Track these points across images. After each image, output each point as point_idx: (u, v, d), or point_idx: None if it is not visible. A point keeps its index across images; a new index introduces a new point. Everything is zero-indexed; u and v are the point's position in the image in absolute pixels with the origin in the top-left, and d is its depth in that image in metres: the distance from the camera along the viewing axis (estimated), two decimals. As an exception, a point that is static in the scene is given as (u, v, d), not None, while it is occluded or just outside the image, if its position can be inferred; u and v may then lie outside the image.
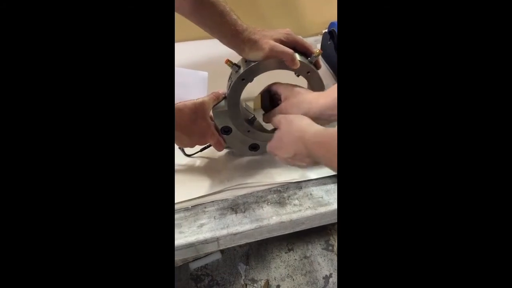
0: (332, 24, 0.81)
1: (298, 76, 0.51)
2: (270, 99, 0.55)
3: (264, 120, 0.55)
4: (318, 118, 0.46)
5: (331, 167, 0.39)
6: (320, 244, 1.23)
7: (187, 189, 0.52)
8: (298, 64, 0.46)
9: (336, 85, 0.48)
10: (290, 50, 0.45)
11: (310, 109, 0.47)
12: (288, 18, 0.97)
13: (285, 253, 1.21)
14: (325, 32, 0.84)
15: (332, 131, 0.38)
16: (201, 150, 0.59)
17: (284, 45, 0.46)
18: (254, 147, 0.57)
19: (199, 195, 0.51)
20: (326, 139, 0.39)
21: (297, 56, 0.47)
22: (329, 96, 0.47)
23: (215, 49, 0.63)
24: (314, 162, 0.43)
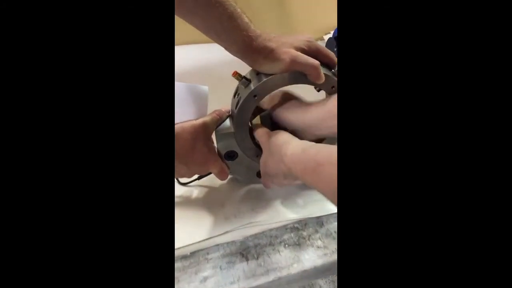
0: (338, 29, 0.73)
1: (318, 91, 0.43)
2: (272, 122, 0.46)
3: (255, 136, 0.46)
4: (306, 132, 0.40)
5: (323, 195, 0.32)
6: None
7: (184, 230, 0.42)
8: (323, 79, 0.38)
9: (332, 96, 0.41)
10: (316, 62, 0.37)
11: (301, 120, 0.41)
12: (280, 20, 0.89)
13: (283, 275, 1.12)
14: (330, 37, 0.77)
15: (312, 151, 0.33)
16: (199, 178, 0.49)
17: (305, 54, 0.37)
18: (263, 174, 0.48)
19: (200, 239, 0.42)
20: (308, 164, 0.32)
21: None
22: (319, 107, 0.40)
23: (213, 55, 0.55)
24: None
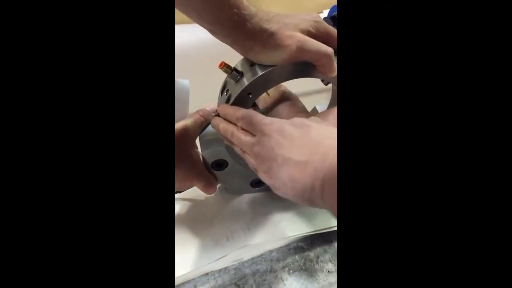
0: (334, 7, 0.65)
1: (326, 84, 0.35)
2: None
3: None
4: None
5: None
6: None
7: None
8: (336, 70, 0.30)
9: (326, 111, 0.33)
10: (329, 49, 0.29)
11: None
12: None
13: None
14: (325, 17, 0.68)
15: None
16: (179, 191, 0.41)
17: (314, 39, 0.29)
18: (258, 182, 0.41)
19: (185, 271, 0.34)
20: None
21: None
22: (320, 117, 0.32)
23: (192, 39, 0.46)
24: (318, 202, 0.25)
